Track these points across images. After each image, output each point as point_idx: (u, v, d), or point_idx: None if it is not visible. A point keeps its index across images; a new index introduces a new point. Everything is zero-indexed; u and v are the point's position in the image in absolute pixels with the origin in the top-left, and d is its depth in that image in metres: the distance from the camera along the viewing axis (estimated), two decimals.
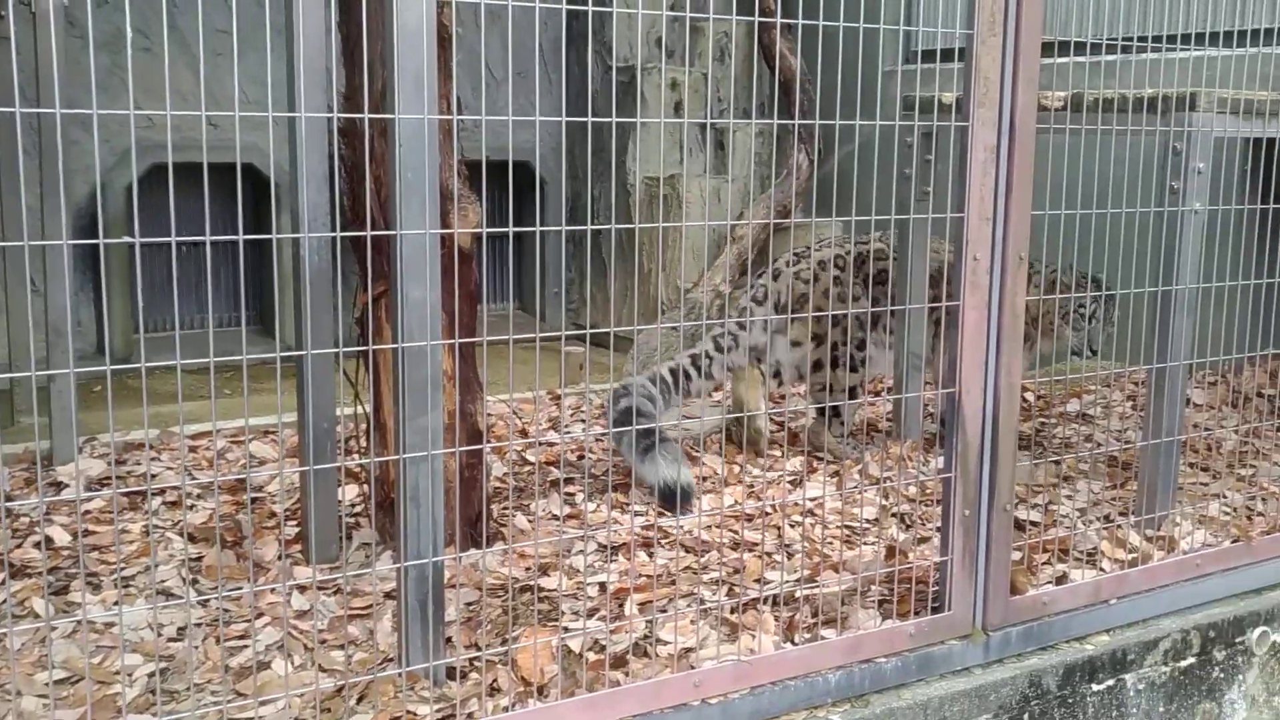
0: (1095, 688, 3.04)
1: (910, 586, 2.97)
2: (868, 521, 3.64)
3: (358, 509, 3.59)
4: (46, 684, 2.57)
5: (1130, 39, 3.49)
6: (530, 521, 3.60)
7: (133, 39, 6.02)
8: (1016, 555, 3.17)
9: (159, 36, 6.17)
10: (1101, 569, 3.31)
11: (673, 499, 3.69)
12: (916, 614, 2.93)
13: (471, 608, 2.98)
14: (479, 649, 2.70)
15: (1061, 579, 3.20)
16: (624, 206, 7.20)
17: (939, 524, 3.01)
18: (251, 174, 6.26)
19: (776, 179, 7.19)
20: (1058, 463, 4.08)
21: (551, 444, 4.40)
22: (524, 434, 4.56)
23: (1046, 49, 2.83)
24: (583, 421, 4.75)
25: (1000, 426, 2.92)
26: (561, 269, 7.51)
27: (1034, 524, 3.61)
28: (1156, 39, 3.75)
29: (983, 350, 2.88)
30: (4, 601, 3.05)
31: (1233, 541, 3.50)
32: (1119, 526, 3.57)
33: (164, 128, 5.75)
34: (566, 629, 2.80)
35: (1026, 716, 2.94)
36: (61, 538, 3.41)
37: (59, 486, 3.87)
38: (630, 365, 6.07)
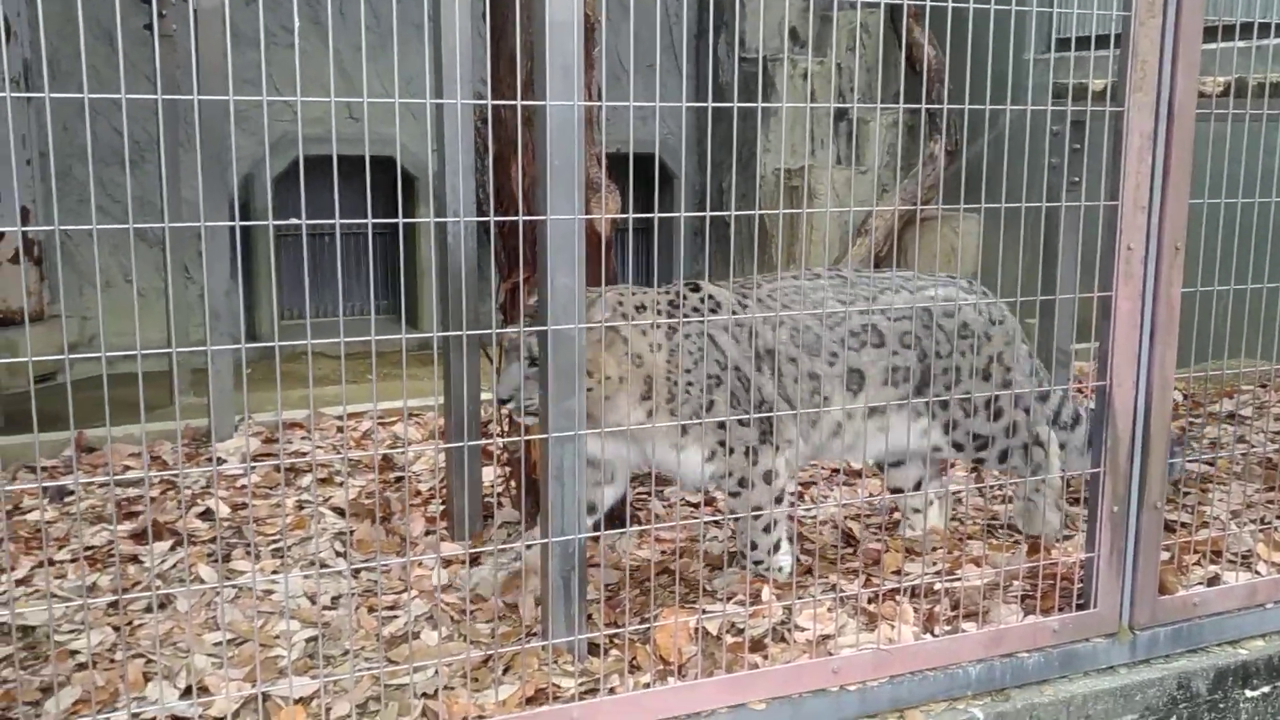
0: (1249, 694, 2.95)
1: (1054, 583, 2.92)
2: (1007, 518, 3.59)
3: (498, 489, 3.67)
4: (216, 644, 2.71)
5: None
6: (666, 507, 3.63)
7: (279, 35, 6.22)
8: (1165, 555, 3.09)
9: (303, 32, 6.39)
10: (1257, 572, 3.20)
11: None
12: (1060, 610, 2.88)
13: (610, 587, 3.02)
14: (618, 627, 2.74)
15: (1214, 580, 3.11)
16: (753, 199, 7.19)
17: (1084, 520, 2.96)
18: (390, 166, 6.43)
19: (910, 171, 7.11)
20: (1211, 464, 3.96)
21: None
22: None
23: (1208, 33, 2.75)
24: None
25: (1152, 422, 2.85)
26: (689, 261, 7.53)
27: (1183, 525, 3.51)
28: None
29: (1135, 343, 2.81)
30: (174, 566, 3.21)
31: None
32: (1276, 529, 3.44)
33: (310, 122, 5.98)
34: (705, 611, 2.83)
35: (1174, 719, 2.87)
36: (222, 510, 3.57)
37: (218, 462, 4.04)
38: None
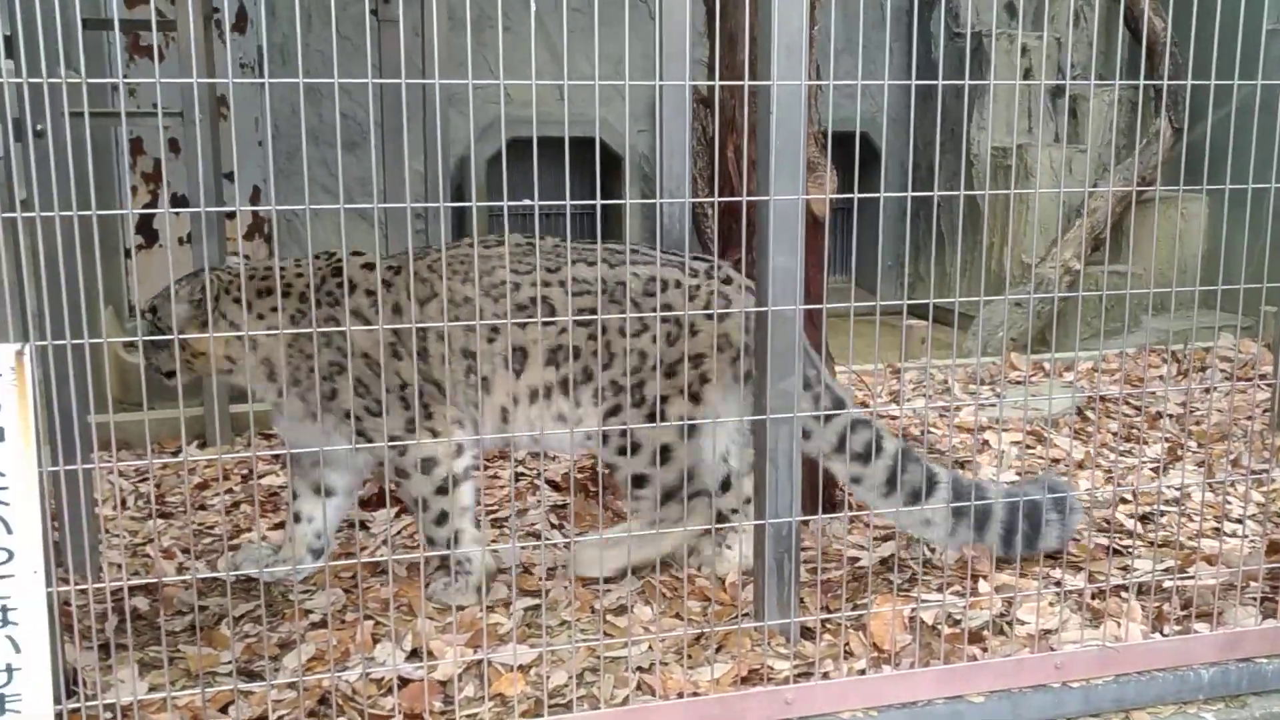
0: None
1: None
2: (1255, 515, 3.39)
3: None
4: (440, 609, 2.82)
5: None
6: None
7: (493, 20, 6.39)
8: None
9: (516, 16, 6.56)
10: None
11: None
12: None
13: (822, 571, 3.00)
14: (830, 612, 2.72)
15: None
16: (967, 178, 6.99)
17: None
18: (593, 146, 6.52)
19: (1145, 149, 6.77)
20: None
21: (893, 416, 4.36)
22: (864, 405, 4.54)
23: None
24: (925, 396, 4.67)
25: None
26: (897, 241, 7.38)
27: None
28: None
29: None
30: (399, 533, 3.35)
31: None
32: None
33: (520, 104, 6.14)
34: (921, 600, 2.78)
35: None
36: None
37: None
38: (972, 342, 5.91)
